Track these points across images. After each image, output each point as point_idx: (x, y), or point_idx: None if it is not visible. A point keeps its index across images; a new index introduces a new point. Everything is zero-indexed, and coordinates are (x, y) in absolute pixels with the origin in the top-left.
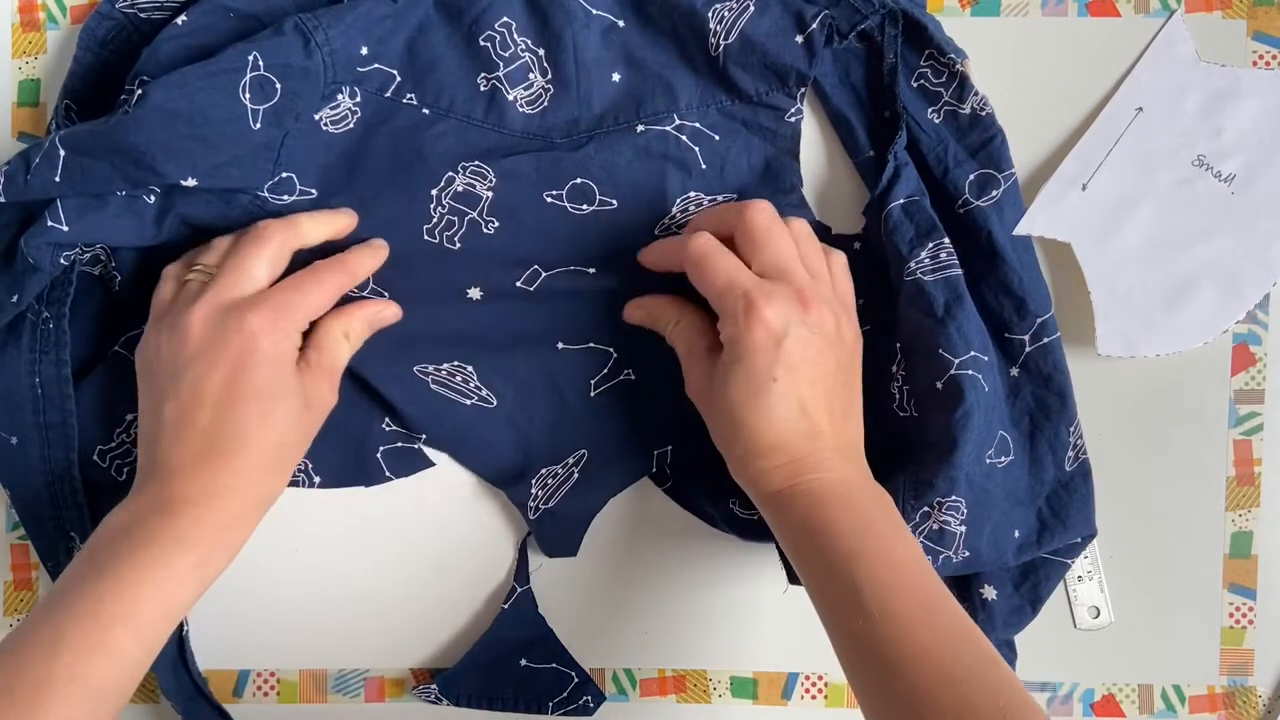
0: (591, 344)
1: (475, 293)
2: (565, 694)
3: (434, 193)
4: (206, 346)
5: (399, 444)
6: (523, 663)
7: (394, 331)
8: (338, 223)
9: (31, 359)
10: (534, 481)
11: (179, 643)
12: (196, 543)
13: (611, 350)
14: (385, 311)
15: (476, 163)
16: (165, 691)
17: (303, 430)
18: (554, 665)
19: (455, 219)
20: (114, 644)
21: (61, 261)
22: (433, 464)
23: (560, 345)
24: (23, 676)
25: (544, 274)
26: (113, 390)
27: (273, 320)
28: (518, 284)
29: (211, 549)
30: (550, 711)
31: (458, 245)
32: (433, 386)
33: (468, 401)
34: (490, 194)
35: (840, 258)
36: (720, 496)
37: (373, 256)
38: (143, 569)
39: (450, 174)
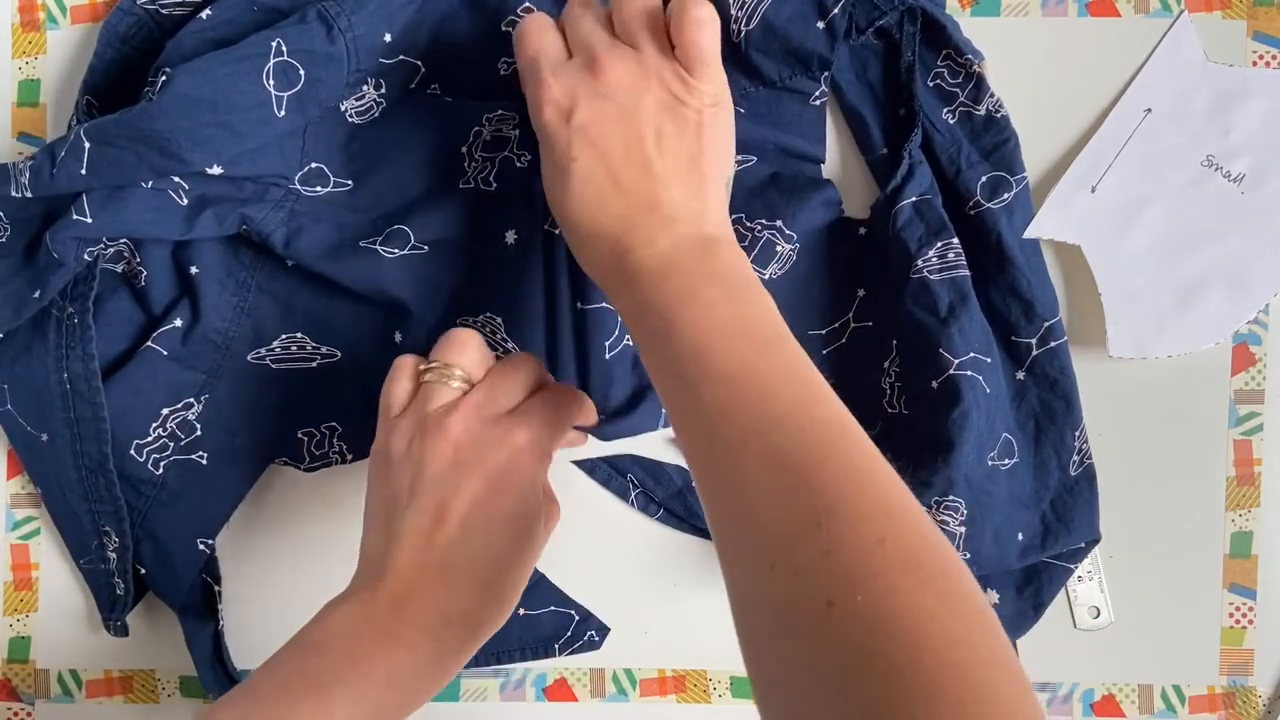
0: (604, 304)
1: (511, 236)
2: (569, 633)
3: (464, 149)
4: (467, 459)
5: None
6: (521, 612)
7: (441, 284)
8: (589, 416)
9: (59, 355)
10: None
11: (215, 641)
12: (403, 688)
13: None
14: (574, 434)
15: (500, 111)
16: (205, 686)
17: (537, 556)
18: (551, 608)
19: (488, 164)
20: None
21: (85, 257)
22: None
23: (579, 305)
24: None
25: None
26: (147, 385)
27: (537, 439)
28: (546, 226)
29: (418, 694)
30: (558, 653)
31: (494, 185)
32: None
33: (496, 353)
34: (517, 132)
35: (699, 9)
36: None
37: (581, 406)
38: (347, 704)
39: (476, 128)
